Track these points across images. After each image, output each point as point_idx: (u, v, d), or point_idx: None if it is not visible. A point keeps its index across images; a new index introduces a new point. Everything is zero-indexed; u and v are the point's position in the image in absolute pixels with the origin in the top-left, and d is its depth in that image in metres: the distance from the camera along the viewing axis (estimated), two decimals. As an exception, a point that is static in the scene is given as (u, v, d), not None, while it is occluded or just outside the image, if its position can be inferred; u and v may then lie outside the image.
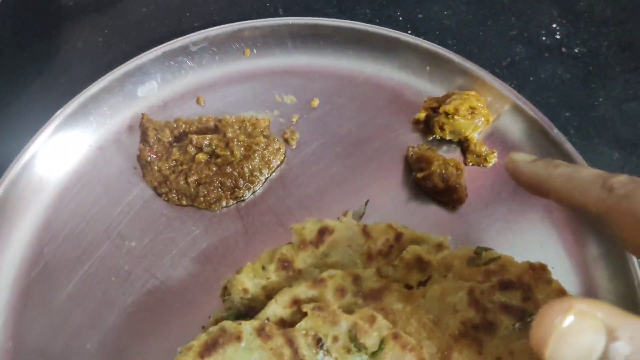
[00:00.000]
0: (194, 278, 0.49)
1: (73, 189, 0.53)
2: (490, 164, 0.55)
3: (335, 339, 0.41)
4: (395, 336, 0.41)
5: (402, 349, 0.41)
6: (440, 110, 0.54)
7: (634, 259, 0.49)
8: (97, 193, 0.52)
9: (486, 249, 0.45)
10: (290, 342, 0.41)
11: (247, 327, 0.41)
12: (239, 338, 0.41)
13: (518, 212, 0.53)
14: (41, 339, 0.47)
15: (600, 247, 0.50)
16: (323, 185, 0.54)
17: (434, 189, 0.53)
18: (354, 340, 0.41)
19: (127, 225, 0.51)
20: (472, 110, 0.54)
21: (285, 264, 0.45)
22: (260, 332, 0.41)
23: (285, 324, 0.42)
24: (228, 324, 0.41)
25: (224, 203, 0.52)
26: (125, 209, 0.52)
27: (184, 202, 0.52)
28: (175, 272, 0.50)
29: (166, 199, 0.52)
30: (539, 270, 0.43)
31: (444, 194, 0.53)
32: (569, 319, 0.29)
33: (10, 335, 0.48)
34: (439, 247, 0.46)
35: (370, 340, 0.41)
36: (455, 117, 0.53)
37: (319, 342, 0.41)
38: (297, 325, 0.41)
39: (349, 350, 0.41)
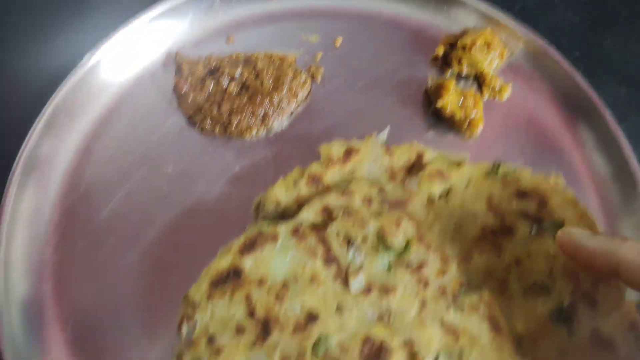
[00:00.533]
0: (228, 197, 0.52)
1: (112, 117, 0.56)
2: (505, 97, 0.57)
3: (364, 239, 0.44)
4: (420, 237, 0.44)
5: (427, 249, 0.44)
6: (458, 44, 0.56)
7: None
8: (135, 121, 0.55)
9: (503, 163, 0.48)
10: (323, 242, 0.44)
11: (283, 228, 0.44)
12: (275, 238, 0.44)
13: (532, 140, 0.56)
14: (85, 253, 0.50)
15: (611, 166, 0.54)
16: (346, 117, 0.57)
17: (452, 118, 0.55)
18: (382, 240, 0.44)
19: (164, 150, 0.54)
20: (488, 44, 0.56)
21: (315, 178, 0.48)
22: (295, 232, 0.44)
23: (318, 229, 0.45)
24: (265, 226, 0.44)
25: (254, 131, 0.55)
26: (162, 136, 0.55)
27: (217, 131, 0.55)
28: (210, 193, 0.52)
29: (200, 128, 0.55)
30: (553, 182, 0.46)
31: (462, 123, 0.55)
32: None
33: (54, 249, 0.51)
34: (459, 164, 0.49)
35: (397, 241, 0.44)
36: (472, 50, 0.56)
37: (349, 242, 0.44)
38: (329, 227, 0.44)
39: (377, 249, 0.43)
